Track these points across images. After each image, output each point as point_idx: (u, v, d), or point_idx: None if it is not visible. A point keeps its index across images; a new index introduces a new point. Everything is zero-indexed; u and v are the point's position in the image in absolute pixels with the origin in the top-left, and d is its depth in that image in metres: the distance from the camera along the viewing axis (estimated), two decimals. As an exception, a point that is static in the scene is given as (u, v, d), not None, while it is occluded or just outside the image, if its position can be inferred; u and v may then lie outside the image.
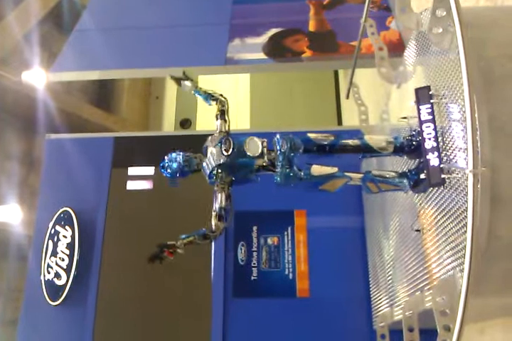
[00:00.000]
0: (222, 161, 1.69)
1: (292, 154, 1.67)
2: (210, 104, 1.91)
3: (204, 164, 1.76)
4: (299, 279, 3.07)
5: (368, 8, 2.37)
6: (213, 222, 1.69)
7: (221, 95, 1.89)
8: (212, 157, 1.72)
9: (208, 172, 1.74)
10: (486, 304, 1.76)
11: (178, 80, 1.91)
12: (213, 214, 1.70)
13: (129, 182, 3.43)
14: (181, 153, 1.79)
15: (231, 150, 1.68)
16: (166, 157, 1.81)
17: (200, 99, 1.93)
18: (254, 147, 1.70)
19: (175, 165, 1.77)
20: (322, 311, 2.97)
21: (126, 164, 3.53)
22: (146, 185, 3.41)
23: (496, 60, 1.59)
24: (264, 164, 1.71)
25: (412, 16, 1.98)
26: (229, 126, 1.84)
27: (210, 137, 1.80)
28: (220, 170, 1.71)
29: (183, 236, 1.69)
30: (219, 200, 1.71)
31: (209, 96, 1.89)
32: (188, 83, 1.90)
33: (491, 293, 1.58)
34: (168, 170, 1.78)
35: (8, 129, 5.94)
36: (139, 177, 3.44)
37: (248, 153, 1.69)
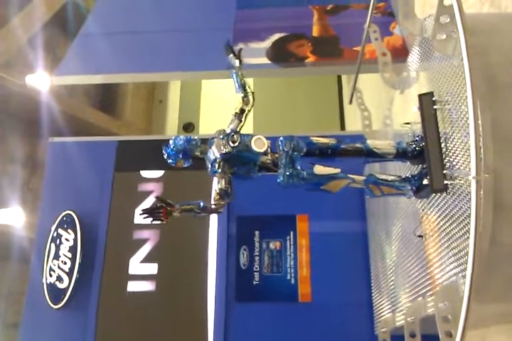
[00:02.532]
0: (227, 150, 1.70)
1: (295, 154, 1.68)
2: (237, 93, 1.87)
3: (209, 153, 1.76)
4: (301, 284, 3.07)
5: (371, 14, 2.38)
6: (214, 197, 1.69)
7: (252, 93, 1.86)
8: (218, 147, 1.73)
9: (211, 160, 1.74)
10: (488, 310, 1.76)
11: (231, 51, 1.89)
12: (214, 192, 1.70)
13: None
14: (188, 138, 1.79)
15: (238, 142, 1.69)
16: (171, 140, 1.80)
17: (233, 81, 1.89)
18: (260, 144, 1.71)
19: (181, 142, 1.77)
20: (324, 316, 2.97)
21: (129, 168, 3.54)
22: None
23: (500, 66, 1.59)
24: (268, 161, 1.71)
25: (415, 22, 1.98)
26: (242, 126, 1.83)
27: (218, 130, 1.81)
28: (223, 161, 1.72)
29: (183, 202, 1.68)
30: (220, 183, 1.72)
31: (242, 87, 1.86)
32: (235, 61, 1.88)
33: (493, 299, 1.58)
34: (173, 147, 1.77)
35: (12, 132, 5.97)
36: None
37: (254, 148, 1.69)
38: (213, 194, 1.70)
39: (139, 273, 3.25)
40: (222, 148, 1.72)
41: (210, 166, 1.76)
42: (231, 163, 1.73)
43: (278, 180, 1.70)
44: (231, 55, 1.89)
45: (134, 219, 3.38)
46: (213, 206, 1.68)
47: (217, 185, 1.72)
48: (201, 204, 1.68)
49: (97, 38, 4.39)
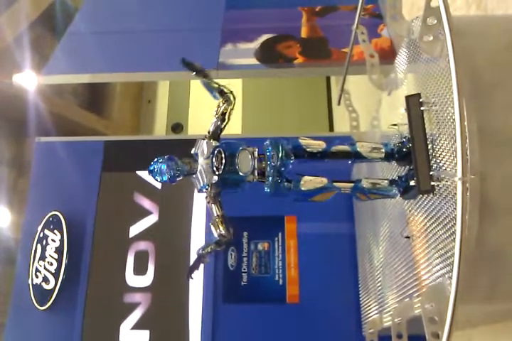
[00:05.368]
0: (213, 181, 1.68)
1: (283, 168, 1.66)
2: (216, 99, 1.77)
3: (197, 175, 1.73)
4: (289, 285, 3.07)
5: (359, 16, 2.38)
6: (221, 227, 1.68)
7: (231, 92, 1.74)
8: (204, 171, 1.70)
9: (199, 186, 1.72)
10: (474, 310, 1.77)
11: (190, 67, 1.75)
12: (217, 221, 1.69)
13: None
14: (171, 163, 1.71)
15: (222, 168, 1.66)
16: (155, 165, 1.72)
17: (206, 91, 1.78)
18: (246, 164, 1.67)
19: (165, 177, 1.70)
20: (311, 317, 2.97)
21: (116, 168, 3.52)
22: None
23: (486, 68, 1.60)
24: (255, 180, 1.69)
25: (403, 24, 1.99)
26: (225, 125, 1.77)
27: (201, 141, 1.76)
28: (211, 186, 1.71)
29: (201, 247, 1.72)
30: (215, 210, 1.71)
31: (218, 93, 1.74)
32: (195, 74, 1.76)
33: (479, 299, 1.58)
34: (158, 179, 1.74)
35: (-2, 132, 5.90)
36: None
37: (240, 173, 1.67)
38: (218, 223, 1.69)
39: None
40: (207, 175, 1.68)
41: (197, 190, 1.74)
42: (218, 184, 1.70)
43: (265, 191, 1.69)
44: (193, 73, 1.76)
45: (121, 219, 3.36)
46: (224, 238, 1.67)
47: (214, 212, 1.71)
48: (213, 240, 1.69)
49: (85, 36, 4.36)
